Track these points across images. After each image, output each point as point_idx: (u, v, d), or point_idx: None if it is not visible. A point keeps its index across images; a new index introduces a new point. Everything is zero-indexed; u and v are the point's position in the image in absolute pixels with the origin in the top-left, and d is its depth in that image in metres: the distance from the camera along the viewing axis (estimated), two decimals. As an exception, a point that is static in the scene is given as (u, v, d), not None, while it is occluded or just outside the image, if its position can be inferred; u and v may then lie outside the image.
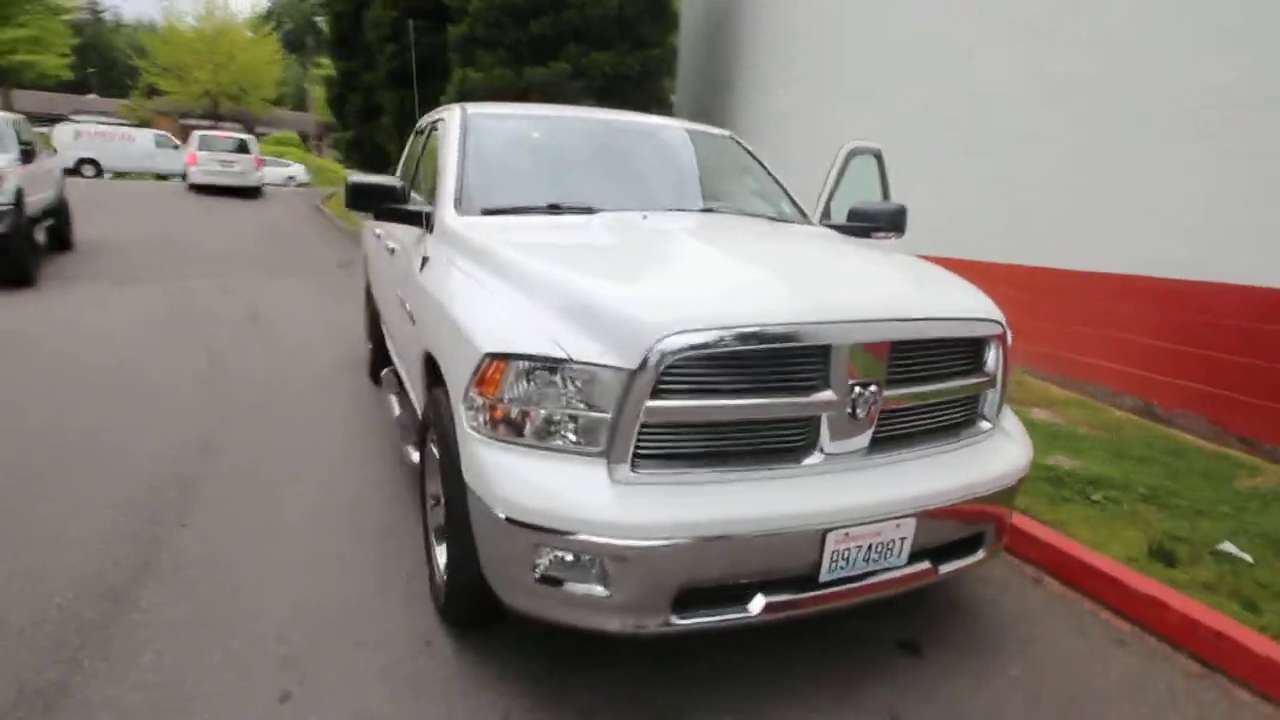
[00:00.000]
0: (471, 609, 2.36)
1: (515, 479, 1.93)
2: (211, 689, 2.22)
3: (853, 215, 3.52)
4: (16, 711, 2.12)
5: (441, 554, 2.66)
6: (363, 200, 3.09)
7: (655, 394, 1.86)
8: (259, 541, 3.12)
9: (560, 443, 1.94)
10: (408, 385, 3.62)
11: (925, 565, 2.18)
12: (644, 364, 1.84)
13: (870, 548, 2.04)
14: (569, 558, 1.88)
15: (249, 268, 11.03)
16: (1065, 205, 5.49)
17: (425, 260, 2.77)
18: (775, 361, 1.97)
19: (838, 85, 8.66)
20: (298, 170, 30.24)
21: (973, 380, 2.30)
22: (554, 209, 2.95)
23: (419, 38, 14.96)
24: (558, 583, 1.91)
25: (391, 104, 15.11)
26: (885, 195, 4.22)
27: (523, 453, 1.97)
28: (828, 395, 2.01)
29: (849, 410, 2.03)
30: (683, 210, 3.22)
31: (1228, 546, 3.04)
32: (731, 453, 2.01)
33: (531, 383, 1.94)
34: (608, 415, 1.89)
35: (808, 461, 2.05)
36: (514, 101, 11.97)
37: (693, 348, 1.86)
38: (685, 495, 1.92)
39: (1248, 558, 2.97)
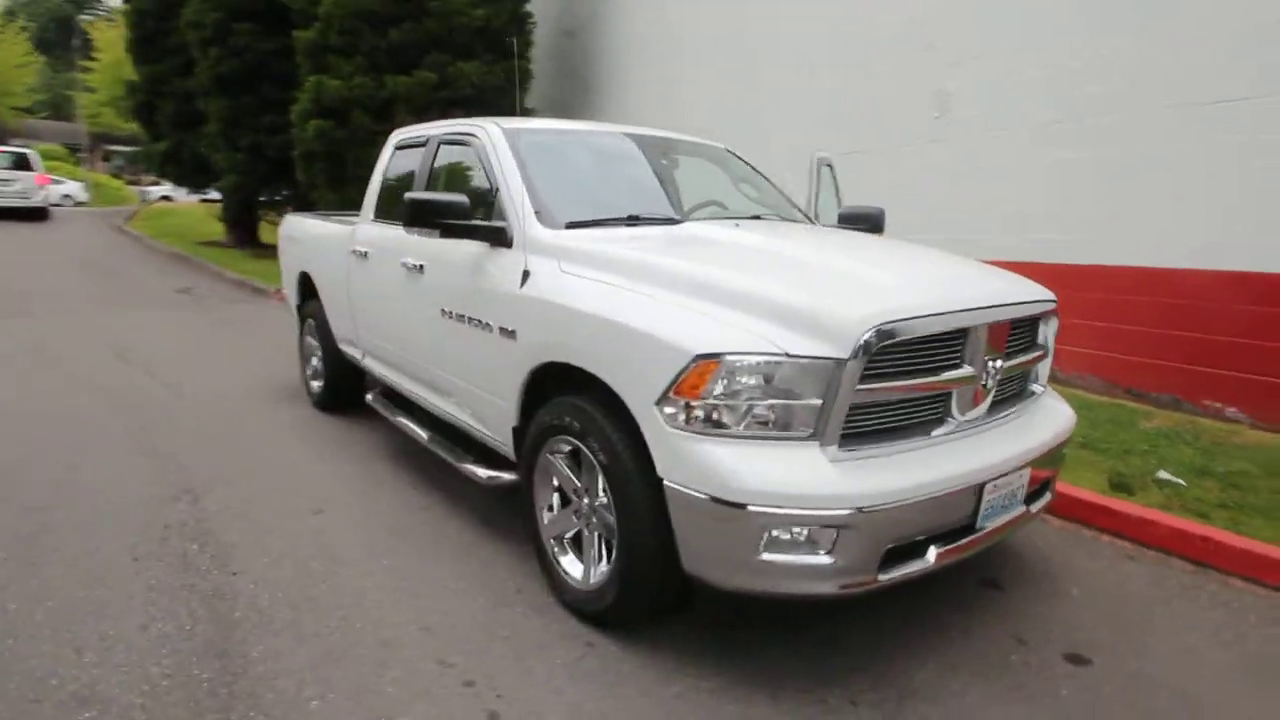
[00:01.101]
0: (644, 606, 2.47)
1: (739, 467, 2.09)
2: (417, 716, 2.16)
3: (844, 218, 3.95)
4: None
5: (572, 562, 2.73)
6: (425, 216, 3.04)
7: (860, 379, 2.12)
8: (327, 576, 2.97)
9: (773, 431, 2.14)
10: (443, 405, 3.56)
11: (1024, 507, 2.62)
12: (855, 353, 2.09)
13: (1006, 494, 2.44)
14: (799, 532, 2.08)
15: (79, 303, 9.76)
16: (938, 205, 6.37)
17: (527, 274, 2.80)
18: (934, 345, 2.30)
19: (708, 95, 9.24)
20: (74, 188, 26.45)
21: (1038, 351, 2.77)
22: (633, 220, 3.09)
23: (247, 43, 13.95)
24: (782, 557, 2.11)
25: (219, 112, 13.78)
26: (839, 200, 4.75)
27: (736, 443, 2.14)
28: (967, 370, 2.38)
29: (982, 382, 2.42)
30: (746, 218, 3.49)
31: (1164, 474, 3.82)
32: (891, 428, 2.31)
33: (746, 378, 2.12)
34: (819, 402, 2.11)
35: (936, 433, 2.40)
36: (377, 111, 11.52)
37: (891, 337, 2.14)
38: (879, 467, 2.19)
39: (1181, 482, 3.75)
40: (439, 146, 3.78)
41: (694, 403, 2.15)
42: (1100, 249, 5.42)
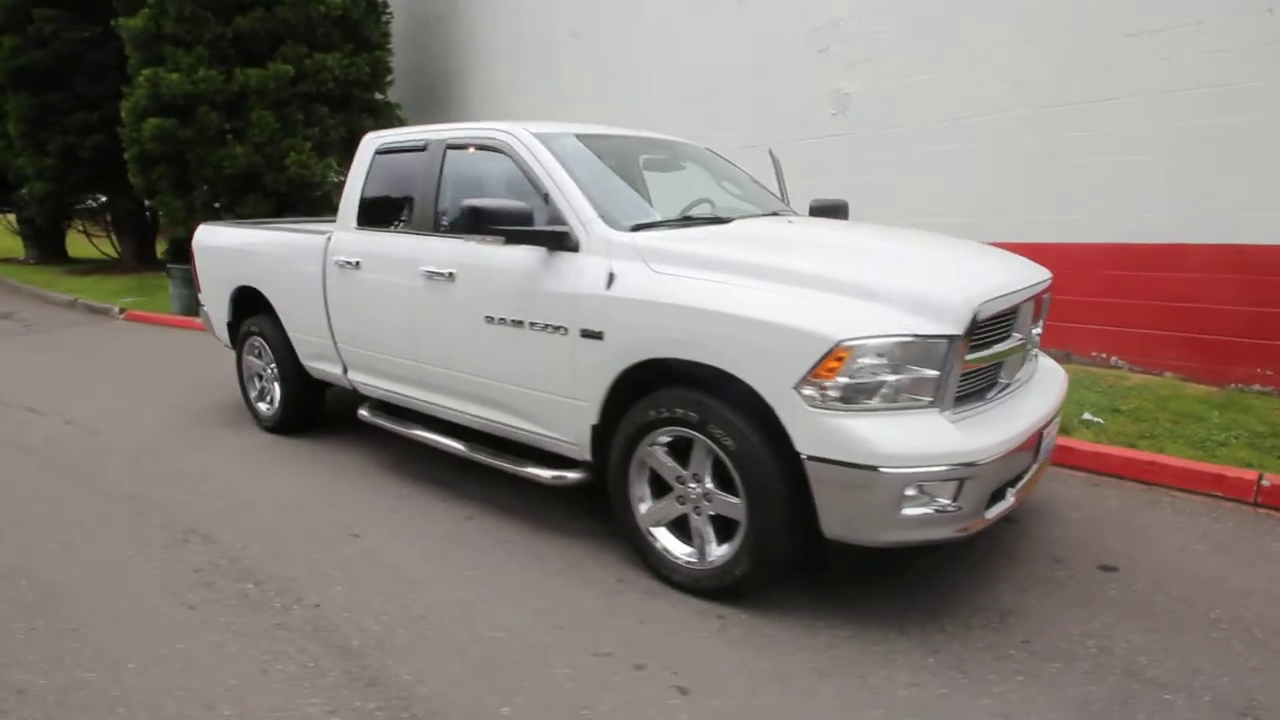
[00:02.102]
0: (775, 572, 2.70)
1: (880, 436, 2.38)
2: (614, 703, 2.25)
3: (814, 209, 4.34)
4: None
5: (678, 545, 2.91)
6: (489, 222, 3.05)
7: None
8: (416, 593, 2.94)
9: (902, 401, 2.44)
10: (482, 412, 3.54)
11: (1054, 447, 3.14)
12: (966, 330, 2.45)
13: (1050, 438, 2.93)
14: (933, 486, 2.41)
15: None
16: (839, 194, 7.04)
17: (612, 276, 2.90)
18: (1001, 320, 2.72)
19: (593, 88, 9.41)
20: None
21: (1042, 322, 3.30)
22: (687, 221, 3.27)
23: (53, 30, 12.28)
24: (918, 510, 2.43)
25: (20, 111, 11.89)
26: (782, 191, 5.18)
27: (873, 415, 2.42)
28: (1018, 339, 2.83)
29: (1027, 348, 2.88)
30: (775, 215, 3.77)
31: (1088, 415, 4.60)
32: (969, 394, 2.71)
33: (879, 358, 2.40)
34: (937, 374, 2.45)
35: (990, 395, 2.83)
36: (226, 107, 10.53)
37: (987, 315, 2.53)
38: (977, 426, 2.56)
39: (1101, 420, 4.54)
40: (445, 151, 3.72)
41: (831, 383, 2.41)
42: (989, 230, 6.27)
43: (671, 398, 2.78)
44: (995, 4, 6.05)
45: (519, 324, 3.22)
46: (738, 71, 7.86)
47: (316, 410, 5.04)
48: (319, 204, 11.55)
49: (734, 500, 2.69)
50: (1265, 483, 3.53)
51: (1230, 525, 3.38)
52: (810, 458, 2.46)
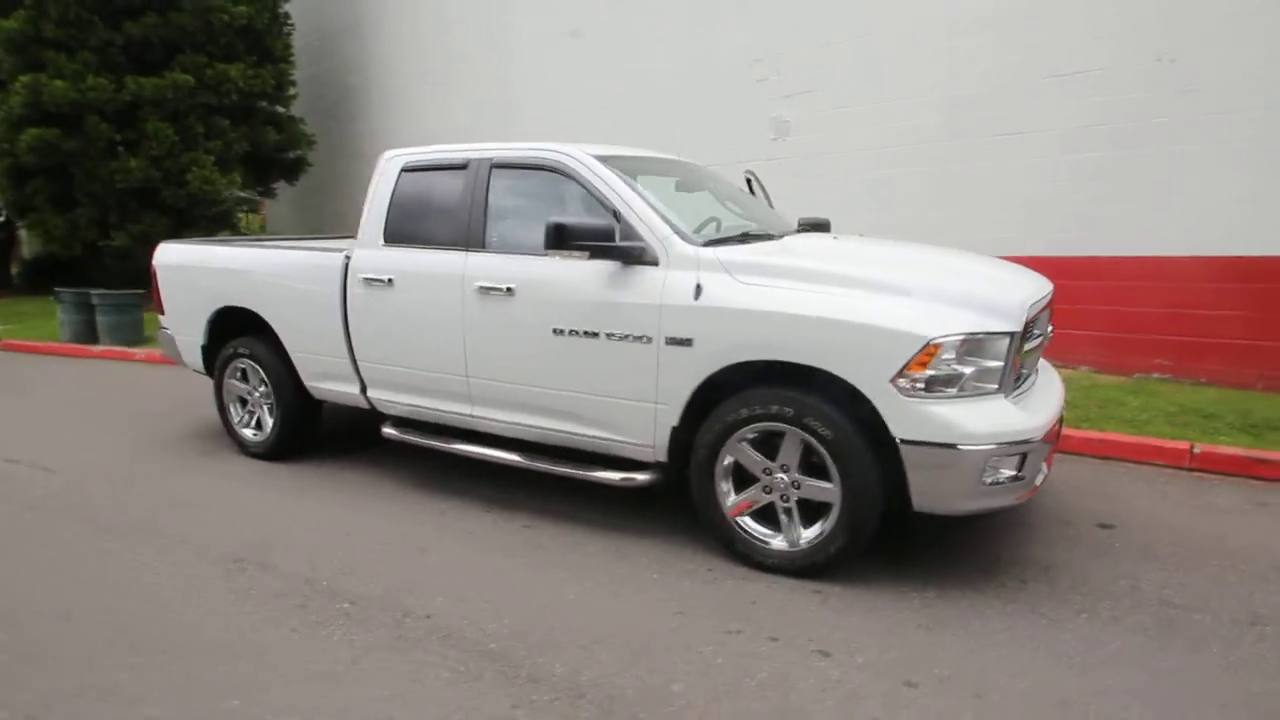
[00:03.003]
0: (864, 546, 3.03)
1: (966, 418, 2.77)
2: (767, 671, 2.48)
3: (802, 226, 4.77)
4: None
5: (765, 531, 3.18)
6: (573, 239, 3.22)
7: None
8: (521, 602, 3.06)
9: (977, 389, 2.85)
10: (541, 422, 3.66)
11: (1049, 430, 3.69)
12: (1023, 327, 2.91)
13: (1059, 419, 3.46)
14: (1008, 459, 2.83)
15: None
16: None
17: (699, 287, 3.14)
18: (1036, 319, 3.21)
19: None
20: None
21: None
22: (745, 238, 3.57)
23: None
24: (998, 480, 2.84)
25: None
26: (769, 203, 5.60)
27: (956, 402, 2.81)
28: (1039, 339, 3.34)
29: (1043, 343, 3.40)
30: (804, 231, 4.17)
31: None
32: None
33: (960, 352, 2.80)
34: (1002, 364, 2.88)
35: (1022, 385, 3.32)
36: (117, 118, 9.74)
37: (1031, 316, 3.00)
38: (1027, 408, 3.02)
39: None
40: (491, 170, 3.82)
41: (920, 375, 2.79)
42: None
43: (765, 396, 3.06)
44: (930, 44, 6.82)
45: (593, 335, 3.39)
46: (677, 96, 8.30)
47: (313, 433, 4.89)
48: (218, 221, 10.90)
49: (826, 485, 3.01)
50: (1197, 450, 4.29)
51: (1180, 486, 4.09)
52: (904, 441, 2.83)
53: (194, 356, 5.11)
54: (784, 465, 3.10)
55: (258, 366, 4.74)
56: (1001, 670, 2.48)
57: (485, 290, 3.68)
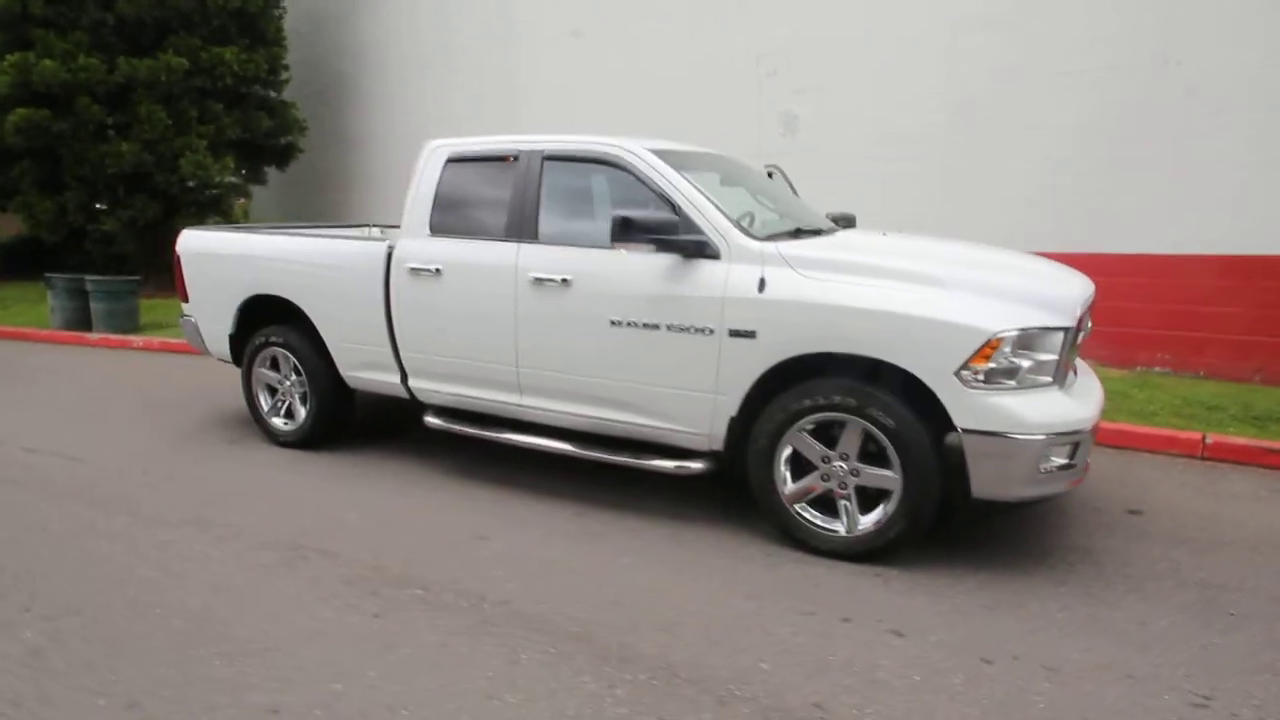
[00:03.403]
0: (920, 533, 3.16)
1: (1027, 409, 2.91)
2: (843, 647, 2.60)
3: (830, 219, 4.89)
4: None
5: (821, 517, 3.29)
6: (640, 231, 3.30)
7: (1064, 341, 3.09)
8: (599, 587, 3.14)
9: (1034, 381, 2.99)
10: (594, 411, 3.73)
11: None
12: (1077, 323, 3.05)
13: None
14: (1067, 447, 2.98)
15: None
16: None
17: (763, 281, 3.23)
18: (1083, 316, 3.35)
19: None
20: None
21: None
22: (798, 233, 3.66)
23: None
24: (1052, 468, 2.98)
25: None
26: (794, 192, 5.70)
27: (1016, 393, 2.95)
28: (1085, 333, 3.49)
29: (1084, 339, 3.55)
30: (841, 225, 4.28)
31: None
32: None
33: (1020, 346, 2.93)
34: (1056, 357, 3.02)
35: (1069, 378, 3.46)
36: (110, 100, 9.51)
37: (1081, 312, 3.14)
38: (1077, 400, 3.16)
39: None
40: (543, 162, 3.86)
41: (983, 368, 2.92)
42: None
43: (827, 387, 3.17)
44: (934, 40, 6.97)
45: (653, 327, 3.46)
46: (687, 90, 8.36)
47: (346, 423, 4.90)
48: (208, 208, 10.71)
49: (886, 473, 3.13)
50: (1209, 440, 4.50)
51: (1197, 475, 4.31)
52: (966, 430, 2.96)
53: (220, 345, 5.08)
54: (843, 454, 3.21)
55: (291, 355, 4.73)
56: (1067, 647, 2.62)
57: (539, 281, 3.72)
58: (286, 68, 11.32)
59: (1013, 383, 2.97)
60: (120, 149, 9.40)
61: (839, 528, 3.27)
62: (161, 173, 9.72)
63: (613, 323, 3.57)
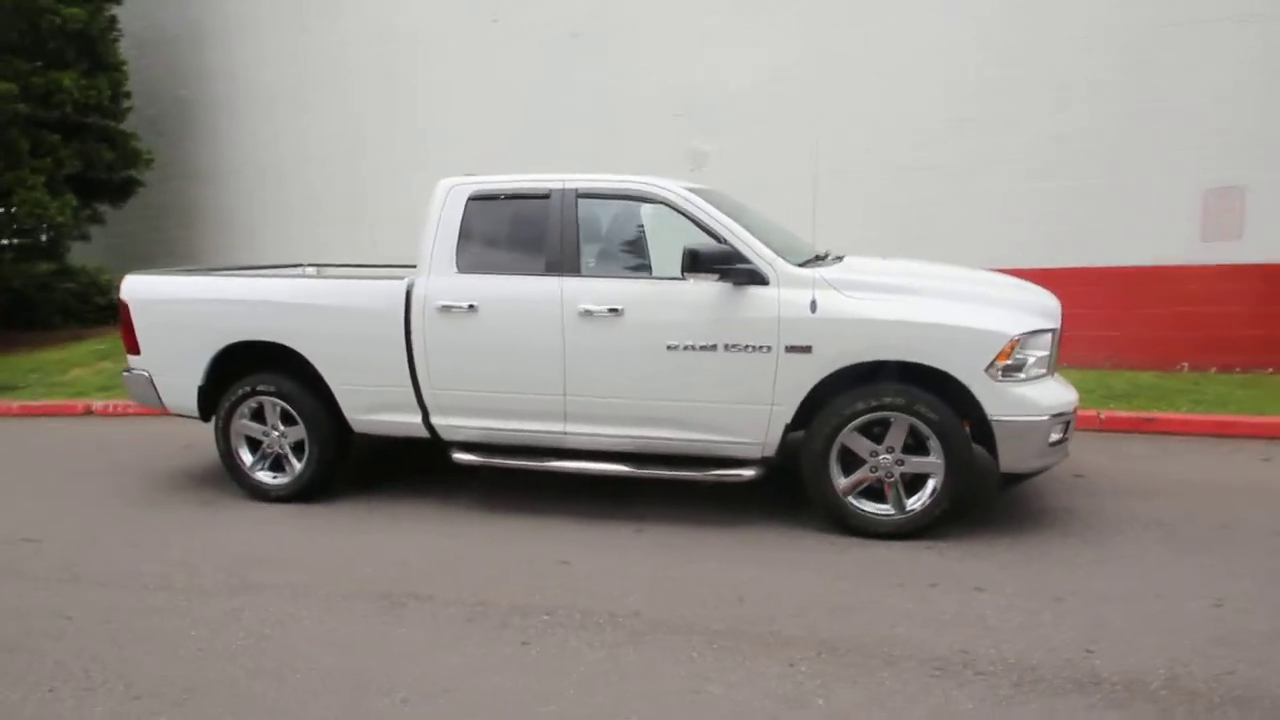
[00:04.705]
0: (958, 510, 3.73)
1: (1040, 395, 3.60)
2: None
3: None
4: None
5: (873, 505, 3.78)
6: (708, 263, 3.65)
7: (1051, 340, 3.83)
8: (707, 592, 3.40)
9: (1037, 373, 3.68)
10: (646, 432, 3.97)
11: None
12: (1059, 325, 3.79)
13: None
14: (1062, 425, 3.68)
15: None
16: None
17: (814, 302, 3.67)
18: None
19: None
20: None
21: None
22: (819, 259, 4.16)
23: None
24: (1053, 442, 3.67)
25: None
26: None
27: (1027, 384, 3.61)
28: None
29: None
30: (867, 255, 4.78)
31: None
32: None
33: (1030, 345, 3.61)
34: (1049, 353, 3.74)
35: None
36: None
37: (1061, 315, 3.91)
38: (1063, 386, 3.90)
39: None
40: (577, 199, 4.06)
41: (1004, 364, 3.56)
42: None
43: (879, 390, 3.67)
44: (859, 83, 7.80)
45: (710, 348, 3.79)
46: (587, 127, 8.73)
47: (341, 469, 4.69)
48: (42, 251, 9.42)
49: (929, 459, 3.68)
50: (1103, 415, 5.57)
51: (1102, 443, 5.31)
52: (995, 418, 3.58)
53: (183, 399, 4.66)
54: (889, 447, 3.73)
55: (282, 403, 4.47)
56: (1103, 581, 3.27)
57: (589, 313, 3.92)
58: (129, 94, 10.26)
59: (1023, 375, 3.64)
60: (-66, 186, 8.08)
61: (889, 512, 3.77)
62: (-13, 213, 8.46)
63: (669, 347, 3.84)
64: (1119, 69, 6.94)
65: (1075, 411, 3.83)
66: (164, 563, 3.77)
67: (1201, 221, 6.61)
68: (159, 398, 4.74)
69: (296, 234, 10.62)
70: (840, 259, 4.37)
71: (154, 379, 4.71)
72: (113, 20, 10.02)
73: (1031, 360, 3.65)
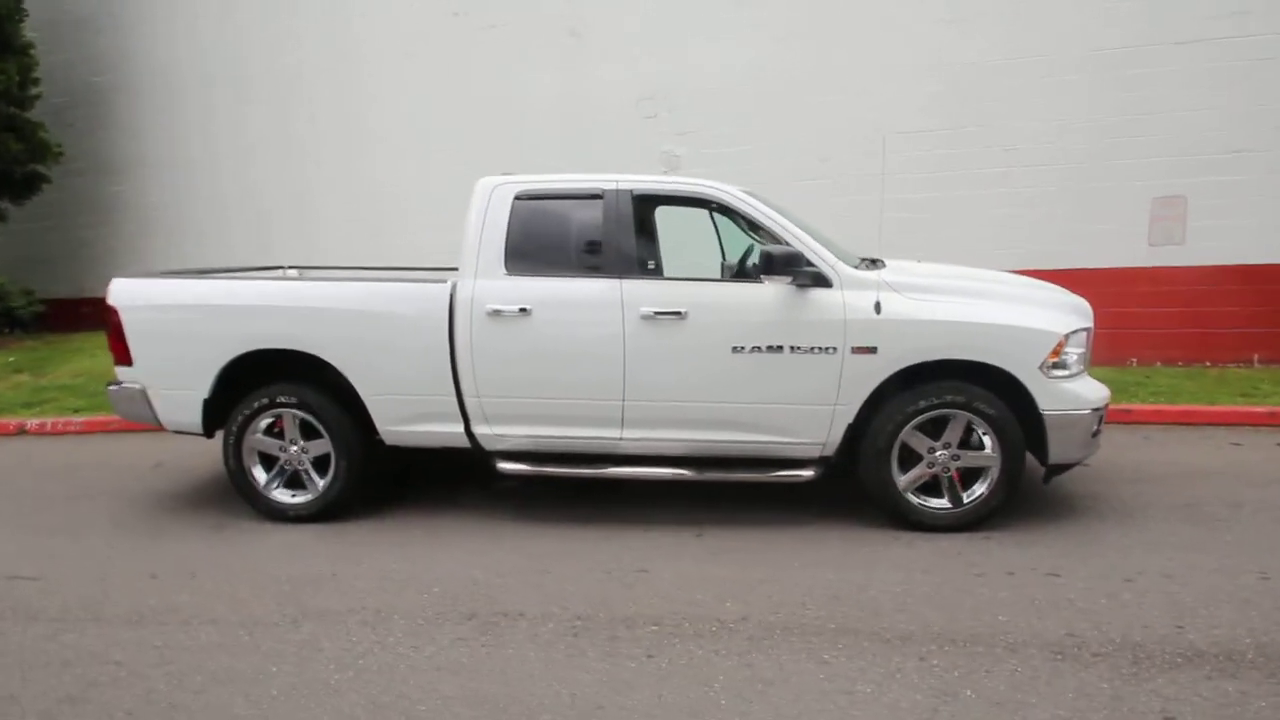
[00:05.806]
0: (1012, 501, 3.90)
1: (1085, 390, 3.82)
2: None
3: None
4: None
5: (934, 500, 3.91)
6: (784, 266, 3.69)
7: (1084, 338, 4.08)
8: (798, 591, 3.43)
9: (1079, 370, 3.90)
10: (708, 435, 3.97)
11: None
12: (1092, 325, 4.04)
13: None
14: (1099, 417, 3.91)
15: None
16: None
17: (879, 304, 3.75)
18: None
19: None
20: None
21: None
22: (871, 263, 4.25)
23: None
24: (1093, 434, 3.91)
25: None
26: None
27: (1073, 380, 3.83)
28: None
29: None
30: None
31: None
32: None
33: (1075, 342, 3.83)
34: (1086, 350, 3.98)
35: None
36: None
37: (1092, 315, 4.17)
38: (1095, 382, 4.16)
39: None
40: (633, 200, 3.99)
41: (1053, 362, 3.77)
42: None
43: (940, 388, 3.79)
44: (827, 88, 8.02)
45: (777, 349, 3.81)
46: (562, 128, 8.60)
47: (369, 483, 4.41)
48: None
49: (987, 453, 3.84)
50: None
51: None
52: (1046, 411, 3.78)
53: (184, 414, 4.28)
54: (946, 443, 3.87)
55: (305, 415, 4.17)
56: (1162, 561, 3.49)
57: (652, 315, 3.86)
58: (37, 81, 9.30)
59: (1066, 372, 3.86)
60: None
61: (947, 506, 3.91)
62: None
63: (734, 349, 3.84)
64: (1082, 88, 7.40)
65: (1108, 406, 4.09)
66: (198, 594, 3.44)
67: (1149, 228, 7.20)
68: (154, 413, 4.32)
69: (238, 236, 9.93)
70: (884, 263, 4.49)
71: (149, 393, 4.29)
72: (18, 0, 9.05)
73: (1074, 357, 3.88)
